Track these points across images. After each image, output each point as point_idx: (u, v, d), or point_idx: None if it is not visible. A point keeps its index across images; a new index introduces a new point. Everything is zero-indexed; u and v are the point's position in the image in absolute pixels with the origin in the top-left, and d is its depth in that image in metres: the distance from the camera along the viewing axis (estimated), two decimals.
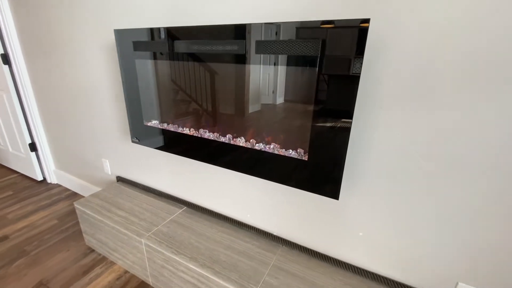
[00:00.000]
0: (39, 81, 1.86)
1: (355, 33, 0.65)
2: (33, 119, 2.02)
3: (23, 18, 1.70)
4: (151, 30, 1.03)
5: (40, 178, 2.24)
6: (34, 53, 1.77)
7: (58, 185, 2.21)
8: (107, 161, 1.70)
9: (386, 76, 0.75)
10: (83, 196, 2.04)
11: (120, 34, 1.11)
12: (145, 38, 1.05)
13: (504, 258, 0.75)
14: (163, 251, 1.10)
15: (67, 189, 2.15)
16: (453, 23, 0.64)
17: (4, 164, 2.51)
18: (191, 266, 1.02)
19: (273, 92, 0.91)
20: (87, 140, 1.76)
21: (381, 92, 0.77)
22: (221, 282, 0.95)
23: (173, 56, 1.03)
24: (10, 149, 2.30)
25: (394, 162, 0.81)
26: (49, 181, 2.24)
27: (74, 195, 2.06)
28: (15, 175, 2.37)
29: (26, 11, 1.66)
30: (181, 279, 1.09)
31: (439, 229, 0.81)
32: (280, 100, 0.91)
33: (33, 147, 2.12)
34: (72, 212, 1.84)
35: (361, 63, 0.68)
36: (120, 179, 1.67)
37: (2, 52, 1.86)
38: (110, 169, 1.71)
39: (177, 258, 1.06)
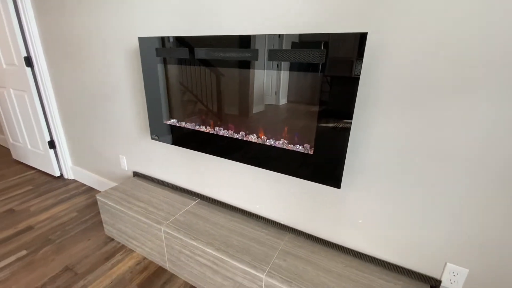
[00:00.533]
0: (59, 82, 1.99)
1: (356, 43, 0.77)
2: (53, 118, 2.14)
3: (46, 23, 1.83)
4: (173, 38, 1.15)
5: (57, 174, 2.36)
6: (55, 56, 1.90)
7: (74, 181, 2.33)
8: (124, 157, 1.82)
9: (382, 81, 0.86)
10: (99, 191, 2.16)
11: (143, 41, 1.23)
12: (166, 45, 1.17)
13: (486, 241, 0.86)
14: (181, 237, 1.21)
15: (83, 184, 2.27)
16: (435, 39, 0.75)
17: (21, 161, 2.64)
18: (207, 250, 1.14)
19: (275, 93, 1.02)
20: (105, 138, 1.88)
21: (378, 95, 0.88)
22: (236, 263, 1.07)
23: (189, 61, 1.15)
24: (29, 147, 2.43)
25: (389, 158, 0.92)
26: (66, 176, 2.37)
27: (91, 190, 2.19)
28: (33, 171, 2.49)
29: (49, 18, 1.79)
30: (198, 263, 1.21)
31: (429, 216, 0.92)
32: (283, 101, 1.03)
33: (51, 144, 2.25)
34: (90, 205, 1.96)
35: (361, 67, 0.80)
36: (136, 174, 1.79)
37: (26, 55, 1.99)
38: (126, 165, 1.83)
39: (194, 243, 1.17)
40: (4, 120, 2.52)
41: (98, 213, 1.88)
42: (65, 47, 1.80)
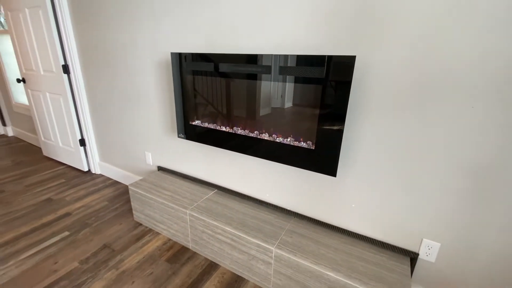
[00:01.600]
0: (92, 87, 2.26)
1: (345, 66, 1.00)
2: (84, 119, 2.41)
3: (83, 35, 2.11)
4: (198, 54, 1.40)
5: (86, 169, 2.63)
6: (90, 64, 2.17)
7: (101, 175, 2.60)
8: (149, 153, 2.07)
9: (369, 88, 1.09)
10: (125, 184, 2.42)
11: (174, 56, 1.49)
12: (193, 59, 1.42)
13: (453, 221, 1.08)
14: (204, 218, 1.45)
15: (109, 178, 2.53)
16: (407, 60, 0.98)
17: (52, 157, 2.92)
18: (227, 228, 1.38)
19: (281, 96, 1.26)
20: (132, 136, 2.14)
21: (365, 103, 1.11)
22: (251, 239, 1.30)
23: (211, 73, 1.39)
24: (60, 144, 2.70)
25: (376, 153, 1.15)
26: (93, 171, 2.63)
27: (116, 183, 2.45)
28: (63, 166, 2.77)
29: (86, 30, 2.06)
30: (218, 240, 1.45)
31: (408, 201, 1.15)
32: (288, 104, 1.26)
33: (82, 142, 2.52)
34: (118, 196, 2.22)
35: (351, 81, 1.03)
36: (160, 169, 2.04)
37: (63, 63, 2.26)
38: (152, 160, 2.09)
39: (216, 223, 1.41)
40: (37, 120, 2.80)
41: (126, 202, 2.13)
42: (99, 56, 2.07)
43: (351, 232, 1.33)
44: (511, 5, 0.81)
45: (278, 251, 1.23)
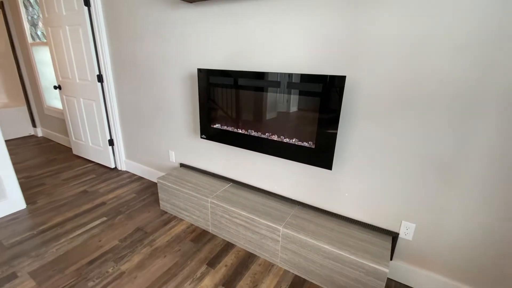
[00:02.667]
0: (122, 94, 2.60)
1: (337, 82, 1.30)
2: (114, 121, 2.75)
3: (116, 50, 2.45)
4: (220, 70, 1.72)
5: (112, 166, 2.97)
6: (121, 74, 2.51)
7: (126, 172, 2.92)
8: (173, 152, 2.39)
9: (357, 99, 1.39)
10: (148, 179, 2.74)
11: (200, 71, 1.80)
12: (216, 75, 1.74)
13: (425, 206, 1.36)
14: (223, 205, 1.76)
15: (134, 174, 2.86)
16: (385, 77, 1.28)
17: (81, 156, 3.27)
18: (242, 213, 1.68)
19: (287, 101, 1.56)
20: (158, 137, 2.46)
21: (356, 107, 1.41)
22: (262, 221, 1.60)
23: (230, 86, 1.70)
24: (90, 144, 3.04)
25: (364, 151, 1.45)
26: (119, 168, 2.96)
27: (141, 179, 2.77)
28: (92, 164, 3.11)
29: (119, 46, 2.40)
30: (234, 223, 1.75)
31: (389, 190, 1.43)
32: (293, 109, 1.56)
33: (111, 142, 2.85)
34: (144, 189, 2.54)
35: (343, 94, 1.33)
36: (182, 165, 2.35)
37: (98, 73, 2.61)
38: (175, 158, 2.40)
39: (233, 209, 1.72)
40: (70, 122, 3.15)
41: (151, 194, 2.45)
42: (129, 68, 2.40)
43: (344, 216, 1.62)
44: (460, 39, 1.10)
45: (285, 230, 1.53)
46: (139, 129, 2.61)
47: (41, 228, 1.95)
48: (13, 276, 1.52)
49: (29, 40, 3.43)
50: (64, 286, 1.46)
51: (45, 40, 3.31)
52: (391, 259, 1.54)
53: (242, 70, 1.68)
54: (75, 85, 2.84)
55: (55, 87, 3.03)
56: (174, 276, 1.54)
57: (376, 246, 1.41)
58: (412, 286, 1.51)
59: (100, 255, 1.69)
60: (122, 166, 2.94)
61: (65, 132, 3.62)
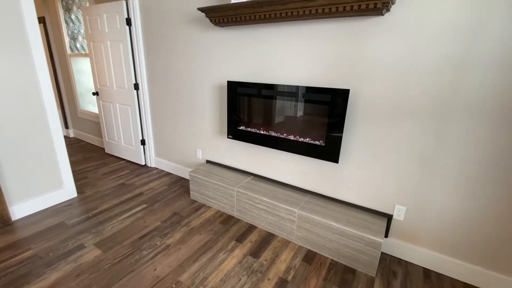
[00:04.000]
0: (155, 100, 3.00)
1: (342, 94, 1.67)
2: (146, 124, 3.15)
3: (152, 62, 2.85)
4: (245, 83, 2.10)
5: (143, 163, 3.36)
6: (155, 83, 2.91)
7: (155, 168, 3.31)
8: (200, 150, 2.77)
9: (358, 107, 1.76)
10: (177, 175, 3.12)
11: (230, 83, 2.19)
12: (242, 86, 2.12)
13: (413, 192, 1.71)
14: (247, 193, 2.13)
15: (162, 171, 3.25)
16: (382, 90, 1.64)
17: (113, 154, 3.67)
18: (264, 199, 2.05)
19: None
20: (186, 137, 2.85)
21: (357, 113, 1.77)
22: (281, 205, 1.97)
23: (254, 95, 2.08)
24: (123, 143, 3.45)
25: (364, 148, 1.81)
26: (149, 165, 3.36)
27: (169, 174, 3.15)
28: (123, 161, 3.51)
29: (154, 59, 2.80)
30: (257, 208, 2.11)
31: (385, 179, 1.79)
32: (307, 114, 1.93)
33: (143, 142, 3.25)
34: (174, 183, 2.92)
35: (347, 103, 1.70)
36: (208, 162, 2.73)
37: (135, 82, 3.01)
38: (201, 155, 2.78)
39: (256, 196, 2.08)
40: (104, 124, 3.56)
41: (181, 187, 2.83)
42: (163, 78, 2.81)
43: (348, 202, 1.98)
44: (436, 63, 1.47)
45: (300, 212, 1.89)
46: (169, 131, 3.00)
47: (93, 212, 2.34)
48: (82, 246, 1.90)
49: (68, 51, 3.87)
50: (124, 254, 1.83)
51: (83, 52, 3.74)
52: (386, 237, 1.89)
53: (264, 82, 2.06)
54: (112, 92, 3.25)
55: (93, 93, 3.44)
56: (210, 248, 1.90)
57: (374, 224, 1.76)
58: (404, 259, 1.85)
59: (147, 232, 2.07)
60: (151, 163, 3.34)
61: (97, 133, 4.03)
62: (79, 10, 3.57)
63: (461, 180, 1.55)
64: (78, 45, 3.76)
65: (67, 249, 1.86)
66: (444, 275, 1.73)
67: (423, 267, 1.79)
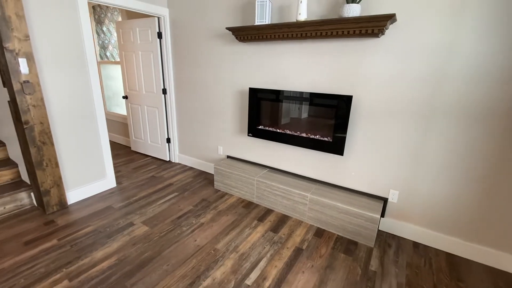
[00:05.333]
0: (180, 103, 3.42)
1: (346, 99, 2.08)
2: (172, 124, 3.56)
3: (179, 70, 3.27)
4: (264, 89, 2.51)
5: (167, 159, 3.77)
6: (181, 88, 3.33)
7: (179, 163, 3.73)
8: (221, 147, 3.18)
9: (359, 110, 2.16)
10: (199, 169, 3.53)
11: (251, 90, 2.60)
12: (261, 92, 2.53)
13: (404, 179, 2.11)
14: (266, 181, 2.53)
15: (185, 165, 3.66)
16: (379, 95, 2.05)
17: (139, 151, 4.09)
18: (280, 186, 2.45)
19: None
20: (209, 135, 3.26)
21: (359, 115, 2.18)
22: (295, 191, 2.37)
23: (271, 99, 2.49)
24: (149, 142, 3.86)
25: (365, 142, 2.21)
26: (173, 161, 3.77)
27: (192, 169, 3.56)
28: (149, 158, 3.92)
29: (181, 67, 3.22)
30: (274, 194, 2.51)
31: (382, 168, 2.19)
32: (317, 115, 2.34)
33: (168, 140, 3.67)
34: (197, 175, 3.33)
35: (350, 107, 2.10)
36: (229, 157, 3.14)
37: (163, 87, 3.43)
38: (222, 151, 3.19)
39: (273, 183, 2.49)
40: (132, 125, 3.98)
41: (204, 179, 3.23)
42: (189, 84, 3.22)
43: (351, 188, 2.38)
44: (420, 74, 1.87)
45: (311, 196, 2.29)
46: (193, 130, 3.41)
47: (134, 198, 2.75)
48: (131, 224, 2.31)
49: (98, 59, 4.31)
50: (167, 229, 2.24)
51: (112, 60, 4.18)
52: (383, 216, 2.28)
53: (279, 89, 2.47)
54: (141, 95, 3.68)
55: (123, 97, 3.87)
56: (237, 226, 2.31)
57: (373, 205, 2.16)
58: (397, 234, 2.25)
59: (183, 214, 2.48)
60: (175, 159, 3.75)
61: (122, 133, 4.45)
62: (111, 23, 4.00)
63: (442, 168, 1.95)
64: (108, 54, 4.19)
65: (120, 226, 2.27)
66: (429, 246, 2.12)
67: (413, 241, 2.18)
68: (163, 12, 3.11)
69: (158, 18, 3.17)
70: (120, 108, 4.46)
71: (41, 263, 1.84)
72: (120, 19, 3.92)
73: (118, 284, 1.67)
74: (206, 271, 1.79)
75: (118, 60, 4.19)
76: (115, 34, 4.13)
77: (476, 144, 1.80)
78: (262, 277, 1.76)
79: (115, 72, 4.30)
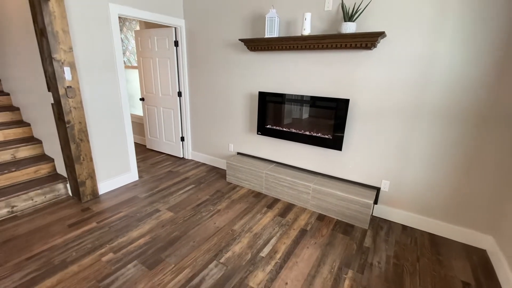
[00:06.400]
0: (194, 104, 3.76)
1: (344, 102, 2.43)
2: (186, 123, 3.91)
3: (193, 75, 3.62)
4: (271, 93, 2.87)
5: (181, 156, 4.12)
6: (196, 91, 3.68)
7: (192, 160, 4.07)
8: (232, 144, 3.53)
9: (355, 111, 2.51)
10: (211, 165, 3.88)
11: (260, 93, 2.95)
12: (268, 95, 2.88)
13: (394, 170, 2.46)
14: (274, 174, 2.88)
15: (198, 162, 4.00)
16: (373, 99, 2.40)
17: (154, 149, 4.43)
18: (287, 178, 2.80)
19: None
20: (220, 134, 3.61)
21: (355, 116, 2.53)
22: (300, 181, 2.72)
23: (278, 101, 2.84)
24: (164, 140, 4.21)
25: (360, 139, 2.56)
26: (186, 157, 4.12)
27: (204, 164, 3.91)
28: (164, 155, 4.27)
29: (195, 72, 3.57)
30: (281, 185, 2.86)
31: (376, 161, 2.53)
32: (318, 115, 2.69)
33: (182, 139, 4.01)
34: (210, 170, 3.68)
35: (348, 108, 2.45)
36: (239, 153, 3.49)
37: (179, 90, 3.78)
38: (233, 148, 3.54)
39: (280, 175, 2.83)
40: (148, 124, 4.33)
41: (216, 173, 3.58)
42: (202, 87, 3.57)
43: (348, 180, 2.72)
44: (407, 81, 2.22)
45: (314, 185, 2.64)
46: (206, 129, 3.76)
47: (156, 189, 3.09)
48: (157, 210, 2.66)
49: None
50: (190, 214, 2.58)
51: (129, 64, 4.52)
52: (376, 203, 2.63)
53: (285, 93, 2.82)
54: (158, 98, 4.02)
55: (140, 99, 4.22)
56: (249, 212, 2.65)
57: (367, 193, 2.51)
58: (388, 219, 2.60)
59: (201, 202, 2.82)
60: (189, 156, 4.10)
61: (138, 132, 4.80)
62: (129, 31, 4.35)
63: (425, 160, 2.30)
64: (125, 59, 4.53)
65: (148, 212, 2.62)
66: (415, 228, 2.47)
67: (402, 224, 2.53)
68: (180, 23, 3.46)
69: (175, 28, 3.52)
70: (135, 109, 4.80)
71: (86, 240, 2.18)
72: (138, 28, 4.27)
73: (155, 256, 2.01)
74: (227, 246, 2.14)
75: (135, 65, 4.53)
76: (132, 41, 4.48)
77: (452, 139, 2.15)
78: (274, 251, 2.10)
79: (130, 76, 4.65)
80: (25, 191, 2.59)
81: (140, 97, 4.34)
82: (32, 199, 2.65)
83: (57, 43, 2.32)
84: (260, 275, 1.85)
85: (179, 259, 1.98)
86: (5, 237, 2.20)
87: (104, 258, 1.98)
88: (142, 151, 4.42)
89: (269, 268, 1.92)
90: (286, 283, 1.79)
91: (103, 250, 2.07)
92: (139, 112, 4.95)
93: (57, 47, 2.32)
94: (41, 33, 2.30)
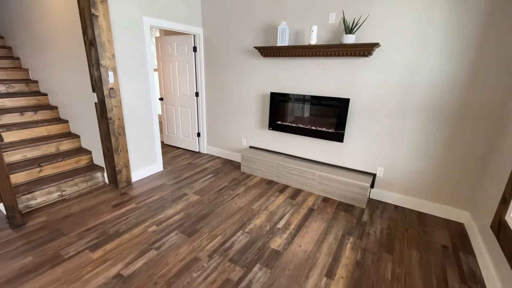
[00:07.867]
0: (210, 103, 4.20)
1: (345, 101, 2.88)
2: (202, 120, 4.35)
3: (210, 77, 4.06)
4: (281, 93, 3.31)
5: (197, 150, 4.55)
6: (212, 91, 4.12)
7: (207, 154, 4.51)
8: (244, 139, 3.97)
9: (354, 109, 2.96)
10: (225, 158, 4.32)
11: (272, 94, 3.39)
12: (279, 95, 3.32)
13: (387, 158, 2.91)
14: (284, 163, 3.32)
15: (212, 155, 4.44)
16: (370, 97, 2.85)
17: (171, 144, 4.86)
18: (295, 166, 3.24)
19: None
20: (234, 130, 4.05)
21: (354, 112, 2.97)
22: (308, 169, 3.16)
23: (286, 100, 3.28)
24: (181, 136, 4.64)
25: (359, 133, 3.01)
26: (202, 152, 4.55)
27: (218, 157, 4.34)
28: (180, 149, 4.70)
29: (212, 74, 4.01)
30: (291, 173, 3.31)
31: (372, 151, 2.98)
32: (323, 113, 3.13)
33: (198, 134, 4.45)
34: (224, 162, 4.11)
35: (348, 106, 2.90)
36: (251, 147, 3.93)
37: (196, 91, 4.22)
38: (245, 142, 3.98)
39: (290, 165, 3.28)
40: (166, 122, 4.76)
41: (231, 165, 4.02)
42: (218, 88, 4.01)
43: (348, 168, 3.17)
44: (398, 82, 2.67)
45: (320, 172, 3.09)
46: (221, 126, 4.20)
47: (180, 178, 3.53)
48: (185, 194, 3.09)
49: None
50: (214, 197, 3.02)
51: None
52: (372, 187, 3.08)
53: (294, 93, 3.26)
54: (176, 98, 4.46)
55: (160, 99, 4.65)
56: (264, 195, 3.10)
57: (365, 179, 2.96)
58: (383, 201, 3.05)
59: (222, 188, 3.26)
60: (204, 150, 4.53)
61: None
62: None
63: (413, 149, 2.75)
64: None
65: (177, 195, 3.06)
66: (406, 207, 2.92)
67: (395, 205, 2.98)
68: (198, 31, 3.89)
69: (194, 35, 3.96)
70: None
71: (131, 217, 2.62)
72: (158, 34, 4.70)
73: (191, 227, 2.45)
74: (249, 220, 2.58)
75: (155, 67, 4.95)
76: (152, 46, 4.90)
77: (435, 131, 2.60)
78: (288, 223, 2.55)
79: None
80: (71, 178, 3.01)
81: (159, 97, 4.77)
82: (77, 185, 3.08)
83: (103, 51, 2.75)
84: (278, 241, 2.30)
85: (212, 230, 2.42)
86: (62, 214, 2.63)
87: (150, 229, 2.42)
88: (161, 146, 4.84)
89: (285, 235, 2.37)
90: (300, 246, 2.24)
91: (146, 223, 2.51)
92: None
93: (103, 55, 2.75)
94: (90, 43, 2.73)
